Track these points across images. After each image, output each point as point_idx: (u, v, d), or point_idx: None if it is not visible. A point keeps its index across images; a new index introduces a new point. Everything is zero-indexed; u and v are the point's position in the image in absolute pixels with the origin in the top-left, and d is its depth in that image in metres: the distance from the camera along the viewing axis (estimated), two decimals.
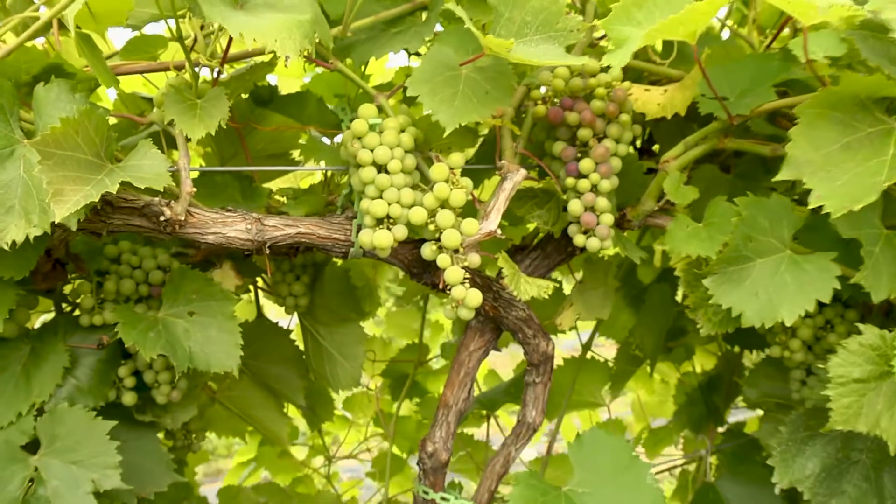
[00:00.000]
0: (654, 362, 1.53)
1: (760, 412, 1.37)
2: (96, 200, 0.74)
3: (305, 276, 1.24)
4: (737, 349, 1.63)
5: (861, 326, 0.90)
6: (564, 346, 1.65)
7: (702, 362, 1.88)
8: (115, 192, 0.75)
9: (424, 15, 1.07)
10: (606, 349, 1.84)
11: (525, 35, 0.87)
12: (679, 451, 2.07)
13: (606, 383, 1.65)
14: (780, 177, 0.83)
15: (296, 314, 1.31)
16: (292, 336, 1.33)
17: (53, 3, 0.79)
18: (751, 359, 1.82)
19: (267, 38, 0.76)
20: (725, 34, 1.35)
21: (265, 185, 1.16)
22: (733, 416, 1.78)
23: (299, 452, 2.10)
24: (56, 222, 0.73)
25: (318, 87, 1.29)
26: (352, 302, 1.31)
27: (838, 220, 0.86)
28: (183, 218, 0.85)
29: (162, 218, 0.84)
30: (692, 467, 1.81)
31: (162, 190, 0.79)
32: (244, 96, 1.15)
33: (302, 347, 1.34)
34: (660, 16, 0.82)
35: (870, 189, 0.79)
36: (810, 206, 0.81)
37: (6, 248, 0.76)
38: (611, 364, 1.65)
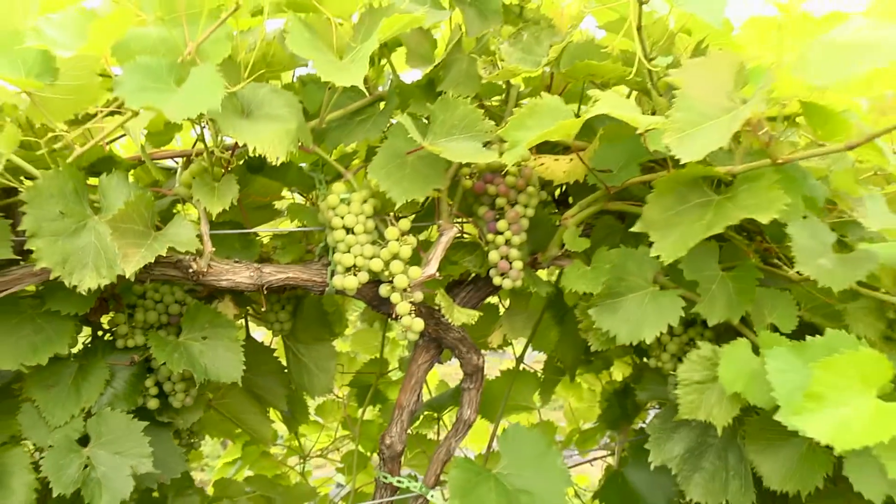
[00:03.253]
0: (573, 372, 1.79)
1: None
2: (152, 260, 1.02)
3: (289, 305, 1.51)
4: (646, 360, 1.92)
5: (699, 342, 1.21)
6: (508, 356, 1.94)
7: (622, 371, 2.15)
8: (163, 254, 1.05)
9: (382, 105, 1.36)
10: (541, 363, 2.10)
11: (453, 134, 1.15)
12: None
13: (537, 390, 1.91)
14: (634, 229, 1.11)
15: (278, 335, 1.58)
16: (276, 354, 1.57)
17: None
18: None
19: (265, 145, 1.03)
20: None
21: (255, 229, 1.45)
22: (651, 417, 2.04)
23: (278, 452, 2.34)
24: (124, 275, 1.02)
25: (297, 157, 1.58)
26: (325, 325, 1.57)
27: (684, 264, 1.17)
28: (205, 269, 1.15)
29: (190, 269, 1.14)
30: (612, 460, 2.10)
31: (194, 251, 1.09)
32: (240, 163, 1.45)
33: (284, 362, 1.59)
34: (547, 123, 1.10)
35: (687, 243, 1.06)
36: (651, 255, 1.11)
37: (84, 293, 1.04)
38: (540, 374, 1.93)
